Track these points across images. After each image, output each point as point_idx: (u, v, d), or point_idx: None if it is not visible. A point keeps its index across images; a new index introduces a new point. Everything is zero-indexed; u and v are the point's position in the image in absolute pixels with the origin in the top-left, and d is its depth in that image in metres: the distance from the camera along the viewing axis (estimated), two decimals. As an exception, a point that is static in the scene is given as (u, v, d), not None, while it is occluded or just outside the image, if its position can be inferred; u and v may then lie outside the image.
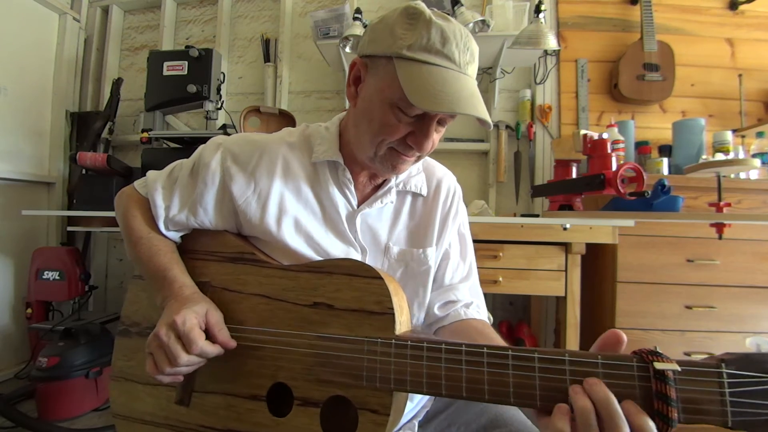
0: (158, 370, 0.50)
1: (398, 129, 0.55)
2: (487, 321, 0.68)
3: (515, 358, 0.42)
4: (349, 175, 0.64)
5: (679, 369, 0.37)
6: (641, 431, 0.36)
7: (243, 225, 0.63)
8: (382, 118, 0.55)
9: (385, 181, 0.67)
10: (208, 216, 0.63)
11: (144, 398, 0.61)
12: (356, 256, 0.63)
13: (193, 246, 0.66)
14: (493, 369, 0.42)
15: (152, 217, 0.64)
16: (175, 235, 0.66)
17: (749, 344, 0.35)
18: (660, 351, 0.38)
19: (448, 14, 1.60)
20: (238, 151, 0.63)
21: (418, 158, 0.61)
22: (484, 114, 0.52)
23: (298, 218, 0.62)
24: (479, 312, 0.68)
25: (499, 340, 0.59)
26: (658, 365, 0.37)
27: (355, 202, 0.65)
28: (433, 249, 0.67)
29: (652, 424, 0.36)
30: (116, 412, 0.63)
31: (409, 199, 0.69)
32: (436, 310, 0.67)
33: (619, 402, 0.37)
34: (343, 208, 0.64)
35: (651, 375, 0.37)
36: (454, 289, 0.68)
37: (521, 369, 0.41)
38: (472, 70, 0.55)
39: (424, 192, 0.69)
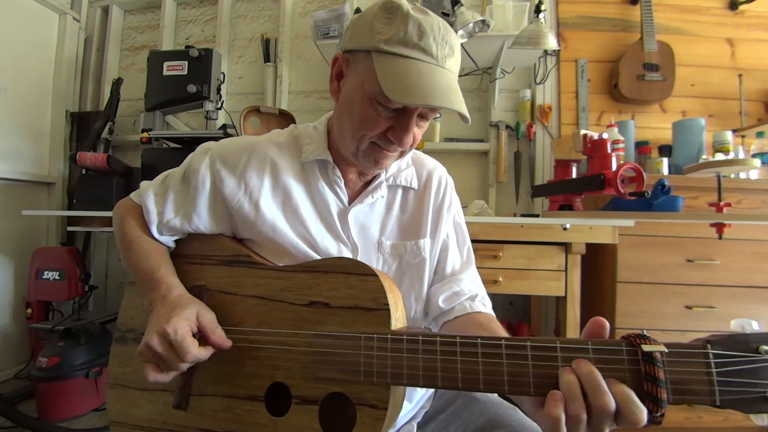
0: (163, 377, 0.51)
1: (378, 123, 0.55)
2: (492, 313, 0.68)
3: (509, 348, 0.42)
4: (338, 173, 0.64)
5: (666, 350, 0.38)
6: (621, 398, 0.37)
7: (238, 226, 0.63)
8: (363, 113, 0.55)
9: (375, 177, 0.67)
10: (202, 220, 0.64)
11: (141, 404, 0.60)
12: (347, 253, 0.63)
13: (187, 250, 0.66)
14: (488, 359, 0.43)
15: (145, 223, 0.65)
16: (168, 240, 0.65)
17: (734, 326, 0.36)
18: (647, 334, 0.39)
19: (448, 14, 1.60)
20: (227, 154, 0.64)
21: (401, 154, 0.61)
22: (459, 107, 0.52)
23: (292, 217, 0.62)
24: (484, 305, 0.67)
25: (503, 334, 0.59)
26: (646, 347, 0.38)
27: (346, 199, 0.65)
28: (426, 240, 0.67)
29: (630, 392, 0.37)
30: (113, 419, 0.62)
31: (400, 192, 0.69)
32: (440, 303, 0.67)
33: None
34: (334, 206, 0.64)
35: (640, 358, 0.38)
36: (456, 280, 0.68)
37: (515, 358, 0.42)
38: (452, 63, 0.55)
39: (415, 185, 0.69)
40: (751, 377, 0.36)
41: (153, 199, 0.65)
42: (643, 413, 0.37)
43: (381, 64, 0.52)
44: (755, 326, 0.38)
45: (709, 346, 0.38)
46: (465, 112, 0.53)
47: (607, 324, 0.42)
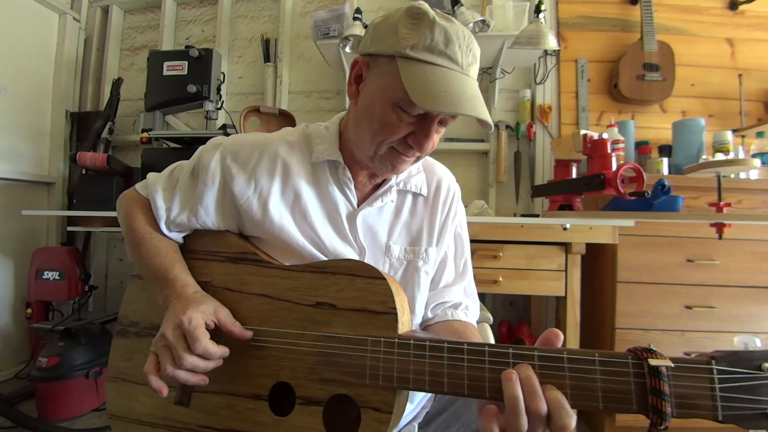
0: (158, 371, 0.50)
1: (399, 128, 0.55)
2: (473, 323, 0.69)
3: (516, 357, 0.43)
4: (349, 174, 0.64)
5: (672, 365, 0.38)
6: (553, 403, 0.39)
7: (245, 224, 0.63)
8: (384, 118, 0.55)
9: (385, 180, 0.67)
10: (209, 216, 0.63)
11: (142, 399, 0.60)
12: (354, 256, 0.63)
13: (194, 246, 0.66)
14: (495, 366, 0.43)
15: (154, 218, 0.64)
16: (177, 236, 0.66)
17: (737, 342, 0.38)
18: (654, 348, 0.40)
19: (448, 14, 1.60)
20: (238, 151, 0.63)
21: (417, 158, 0.61)
22: (485, 115, 0.52)
23: (300, 219, 0.62)
24: (467, 314, 0.69)
25: (477, 340, 0.61)
26: (653, 362, 0.38)
27: (355, 202, 0.65)
28: (434, 249, 0.68)
29: (562, 397, 0.39)
30: (112, 413, 0.62)
31: (409, 198, 0.69)
32: (428, 312, 0.68)
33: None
34: (343, 208, 0.64)
35: (645, 371, 0.39)
36: (447, 291, 0.70)
37: None
38: (474, 71, 0.55)
39: (425, 192, 0.69)
40: (753, 394, 0.37)
41: (161, 195, 0.64)
42: (572, 419, 0.39)
43: (407, 70, 0.51)
44: (758, 343, 0.39)
45: (713, 362, 0.38)
46: (489, 120, 0.53)
47: (561, 335, 0.44)
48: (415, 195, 0.69)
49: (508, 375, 0.41)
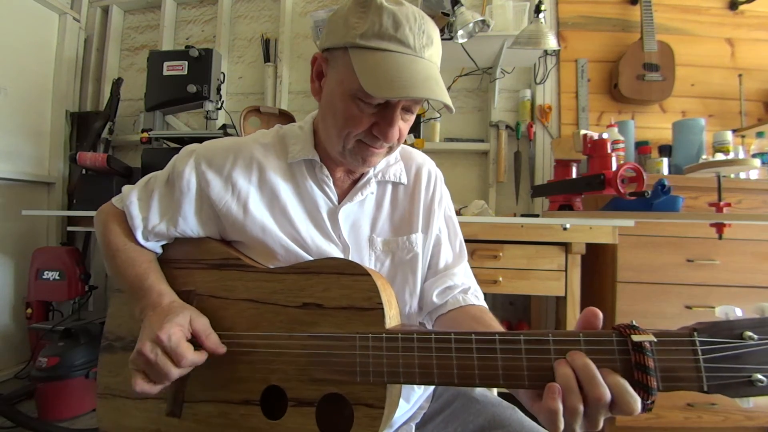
0: (150, 388, 0.50)
1: (362, 120, 0.54)
2: (485, 305, 0.68)
3: (502, 342, 0.43)
4: (326, 172, 0.64)
5: (655, 340, 0.39)
6: (616, 389, 0.38)
7: (226, 229, 0.63)
8: (345, 111, 0.54)
9: (363, 174, 0.66)
10: (188, 224, 0.63)
11: (133, 413, 0.59)
12: (338, 253, 0.63)
13: (175, 255, 0.65)
14: (483, 354, 0.43)
15: (130, 229, 0.63)
16: (154, 246, 0.65)
17: (718, 313, 0.39)
18: (636, 324, 0.40)
19: (448, 14, 1.60)
20: (212, 155, 0.63)
21: (389, 150, 0.60)
22: (442, 96, 0.51)
23: (281, 218, 0.62)
24: (477, 297, 0.68)
25: (496, 326, 0.60)
26: (636, 337, 0.39)
27: (335, 198, 0.64)
28: (418, 235, 0.67)
29: (624, 382, 0.38)
30: (104, 430, 0.62)
31: (389, 188, 0.68)
32: (434, 298, 0.67)
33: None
34: (323, 205, 0.64)
35: (630, 347, 0.39)
36: (450, 274, 0.69)
37: (509, 352, 0.43)
38: (431, 53, 0.53)
39: (404, 180, 0.69)
40: (736, 362, 0.37)
41: (137, 205, 0.63)
42: (637, 402, 0.38)
43: (358, 60, 0.51)
44: (739, 313, 0.39)
45: (695, 333, 0.39)
46: (448, 101, 0.52)
47: (600, 313, 0.43)
48: (395, 184, 0.69)
49: (552, 389, 0.40)
